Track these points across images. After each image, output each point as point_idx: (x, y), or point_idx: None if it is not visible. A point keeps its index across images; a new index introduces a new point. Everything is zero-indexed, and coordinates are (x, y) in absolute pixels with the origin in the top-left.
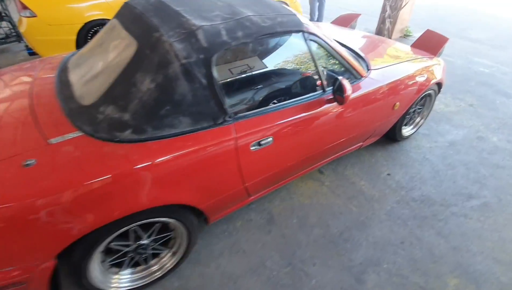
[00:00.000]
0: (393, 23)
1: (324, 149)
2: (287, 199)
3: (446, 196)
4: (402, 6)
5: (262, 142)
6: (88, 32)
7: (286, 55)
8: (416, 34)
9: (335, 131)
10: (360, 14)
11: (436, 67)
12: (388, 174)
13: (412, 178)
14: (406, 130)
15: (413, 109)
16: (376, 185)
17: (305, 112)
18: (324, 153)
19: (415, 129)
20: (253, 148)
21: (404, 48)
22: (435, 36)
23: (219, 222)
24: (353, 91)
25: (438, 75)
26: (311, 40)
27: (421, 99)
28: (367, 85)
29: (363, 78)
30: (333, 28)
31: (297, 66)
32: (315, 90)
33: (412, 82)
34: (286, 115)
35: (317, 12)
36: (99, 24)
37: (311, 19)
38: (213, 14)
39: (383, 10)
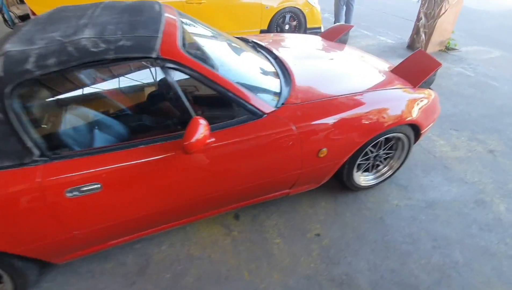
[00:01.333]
0: (429, 34)
1: (201, 199)
2: (177, 245)
3: (377, 285)
4: (441, 13)
5: (84, 189)
6: None
7: (138, 84)
8: (464, 48)
9: (204, 181)
10: (353, 26)
11: (411, 102)
12: (318, 235)
13: (347, 246)
14: (364, 179)
15: (374, 154)
16: (294, 246)
17: (151, 157)
18: (208, 201)
19: (378, 180)
20: (70, 194)
21: (375, 75)
22: (426, 60)
23: (91, 260)
24: (237, 133)
25: (412, 114)
26: (169, 67)
27: (388, 142)
28: (262, 126)
29: (263, 116)
30: (298, 42)
31: (152, 99)
32: (172, 130)
33: (353, 123)
34: (123, 158)
35: (343, 18)
36: None
37: None
38: (46, 36)
39: (417, 18)
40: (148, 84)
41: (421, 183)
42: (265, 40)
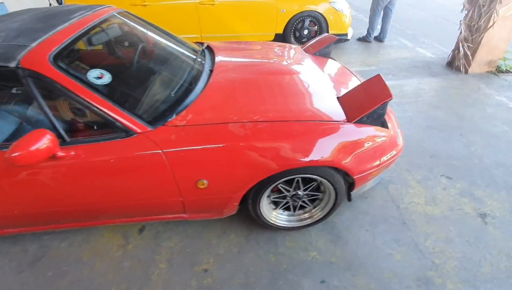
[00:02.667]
0: (473, 51)
1: (84, 207)
2: (75, 245)
3: None
4: (488, 26)
5: None
6: None
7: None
8: None
9: (71, 192)
10: (336, 38)
11: (333, 140)
12: (205, 270)
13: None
14: (277, 217)
15: (292, 193)
16: (175, 277)
17: None
18: (98, 210)
19: (292, 224)
20: None
21: (312, 101)
22: (377, 89)
23: (4, 239)
24: (101, 150)
25: (332, 155)
26: (31, 77)
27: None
28: (128, 146)
29: (133, 135)
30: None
31: (16, 106)
32: None
33: (241, 156)
34: None
35: (378, 25)
36: None
37: (368, 36)
38: None
39: (460, 31)
40: (14, 92)
41: (358, 238)
42: (227, 48)
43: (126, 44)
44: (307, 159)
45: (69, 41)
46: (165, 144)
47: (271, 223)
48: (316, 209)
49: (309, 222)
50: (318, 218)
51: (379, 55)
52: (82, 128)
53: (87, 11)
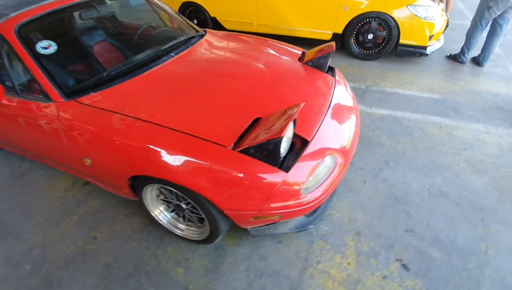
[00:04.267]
0: None
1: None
2: (44, 176)
3: None
4: None
5: None
6: (185, 10)
7: None
8: None
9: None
10: (333, 49)
11: (198, 164)
12: (94, 237)
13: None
14: (161, 214)
15: (175, 202)
16: (75, 231)
17: None
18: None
19: (173, 229)
20: None
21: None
22: (281, 121)
23: None
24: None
25: (197, 180)
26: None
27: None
28: (41, 108)
29: (49, 101)
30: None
31: None
32: None
33: (116, 149)
34: None
35: (478, 43)
36: (192, 5)
37: (461, 56)
38: None
39: None
40: None
41: (234, 279)
42: (218, 38)
43: (92, 22)
44: (165, 172)
45: (38, 16)
46: (64, 116)
47: (153, 216)
48: (195, 228)
49: (186, 236)
50: (193, 238)
51: (461, 82)
52: (25, 86)
53: None
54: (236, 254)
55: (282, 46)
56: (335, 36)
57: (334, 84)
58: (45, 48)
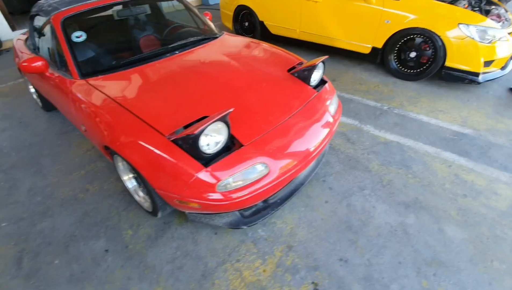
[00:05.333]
0: None
1: None
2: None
3: None
4: None
5: None
6: (239, 13)
7: None
8: None
9: None
10: (327, 56)
11: (139, 139)
12: (87, 190)
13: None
14: (129, 180)
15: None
16: (72, 185)
17: None
18: None
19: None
20: None
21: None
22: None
23: None
24: None
25: (128, 150)
26: (51, 28)
27: None
28: (66, 84)
29: (72, 78)
30: None
31: None
32: None
33: (97, 122)
34: None
35: None
36: (245, 9)
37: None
38: None
39: None
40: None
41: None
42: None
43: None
44: (117, 146)
45: (80, 12)
46: (74, 91)
47: (123, 181)
48: (146, 199)
49: (141, 204)
50: (145, 208)
51: (510, 121)
52: (62, 64)
53: None
54: (176, 232)
55: (281, 53)
56: (374, 51)
57: (312, 97)
58: (78, 37)
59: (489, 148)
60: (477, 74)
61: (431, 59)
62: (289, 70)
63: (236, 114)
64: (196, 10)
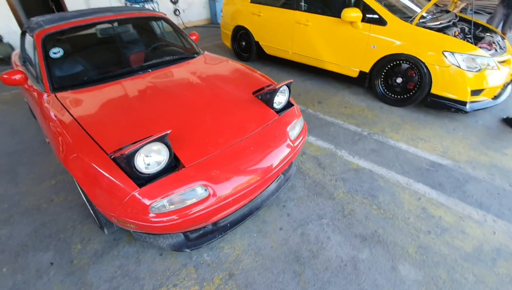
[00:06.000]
0: None
1: None
2: None
3: None
4: None
5: None
6: (237, 32)
7: None
8: None
9: None
10: (292, 80)
11: (74, 153)
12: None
13: None
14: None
15: None
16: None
17: None
18: None
19: None
20: None
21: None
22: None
23: None
24: None
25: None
26: (34, 44)
27: None
28: (40, 97)
29: (43, 92)
30: None
31: None
32: None
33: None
34: None
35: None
36: (243, 29)
37: None
38: None
39: None
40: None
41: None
42: (205, 62)
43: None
44: (62, 159)
45: (62, 28)
46: (45, 103)
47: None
48: None
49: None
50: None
51: (495, 153)
52: (39, 77)
53: (131, 11)
54: (123, 250)
55: (253, 75)
56: (362, 74)
57: (271, 121)
58: (55, 53)
59: (466, 182)
60: (464, 103)
61: (417, 86)
62: (254, 92)
63: (186, 134)
64: (181, 29)
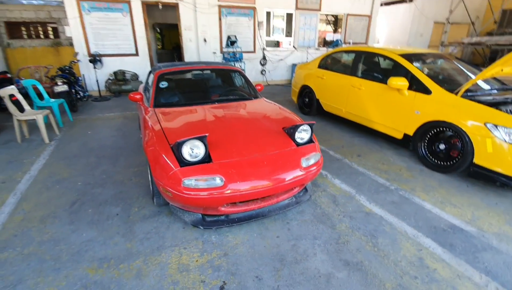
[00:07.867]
0: None
1: None
2: None
3: None
4: None
5: None
6: (303, 90)
7: None
8: None
9: None
10: (314, 122)
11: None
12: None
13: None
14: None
15: None
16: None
17: None
18: None
19: None
20: None
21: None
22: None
23: None
24: None
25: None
26: (157, 79)
27: None
28: (147, 109)
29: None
30: None
31: None
32: None
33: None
34: None
35: None
36: (307, 88)
37: None
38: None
39: None
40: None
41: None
42: (258, 104)
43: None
44: (144, 145)
45: (171, 71)
46: (147, 113)
47: None
48: None
49: None
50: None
51: None
52: (147, 98)
53: (218, 64)
54: (160, 219)
55: (289, 116)
56: (406, 137)
57: (288, 149)
58: (162, 84)
59: (483, 250)
60: (509, 178)
61: (460, 154)
62: (284, 128)
63: (222, 143)
64: (249, 80)
